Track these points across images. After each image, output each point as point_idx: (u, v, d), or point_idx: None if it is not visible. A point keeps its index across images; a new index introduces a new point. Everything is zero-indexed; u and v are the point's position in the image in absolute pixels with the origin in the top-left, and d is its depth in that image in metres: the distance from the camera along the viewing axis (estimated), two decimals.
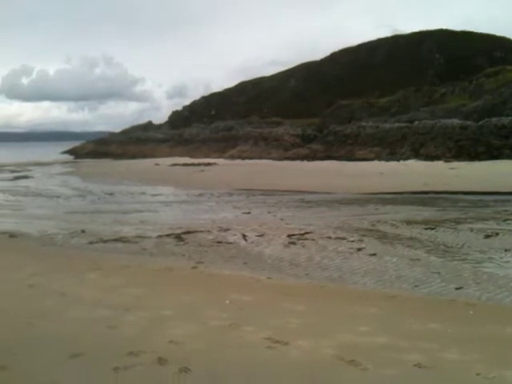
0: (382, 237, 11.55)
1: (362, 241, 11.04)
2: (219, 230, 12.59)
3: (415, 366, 4.24)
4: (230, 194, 21.93)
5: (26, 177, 36.73)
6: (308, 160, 43.13)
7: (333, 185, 23.14)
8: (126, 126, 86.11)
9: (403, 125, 42.88)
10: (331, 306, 6.36)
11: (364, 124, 46.43)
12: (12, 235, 12.32)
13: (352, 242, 10.95)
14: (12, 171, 43.40)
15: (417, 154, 38.35)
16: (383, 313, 6.09)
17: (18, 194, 23.97)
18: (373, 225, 12.97)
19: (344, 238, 11.28)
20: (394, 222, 13.19)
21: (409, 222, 13.17)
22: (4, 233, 12.60)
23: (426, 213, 14.96)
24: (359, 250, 10.17)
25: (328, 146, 46.40)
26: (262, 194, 21.50)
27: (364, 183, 23.49)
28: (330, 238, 11.41)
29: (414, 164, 34.65)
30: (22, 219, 15.75)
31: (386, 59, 64.61)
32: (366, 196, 19.56)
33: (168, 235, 12.04)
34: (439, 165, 32.21)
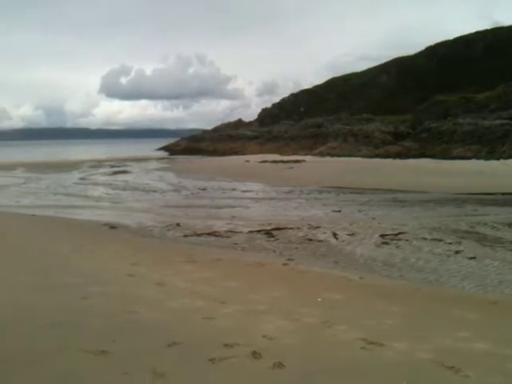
0: (482, 239, 11.00)
1: (459, 243, 10.58)
2: (309, 228, 12.55)
3: None
4: (320, 192, 21.78)
5: (124, 172, 38.80)
6: (400, 158, 41.79)
7: (427, 184, 22.29)
8: (218, 123, 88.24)
9: (505, 122, 40.40)
10: (428, 309, 6.13)
11: (461, 121, 44.26)
12: (112, 226, 13.05)
13: (449, 244, 10.52)
14: (112, 166, 46.06)
15: None
16: (484, 318, 5.81)
17: (117, 188, 25.42)
18: (471, 226, 12.38)
19: (440, 240, 10.86)
20: (495, 225, 12.51)
21: (511, 225, 12.40)
22: (105, 224, 13.37)
23: None
24: (457, 252, 9.75)
25: (422, 144, 44.76)
26: (351, 192, 21.15)
27: (461, 183, 22.42)
28: (425, 239, 11.03)
29: None
30: (121, 211, 16.65)
31: (485, 53, 61.00)
32: (464, 196, 18.66)
33: (259, 231, 12.19)
34: None
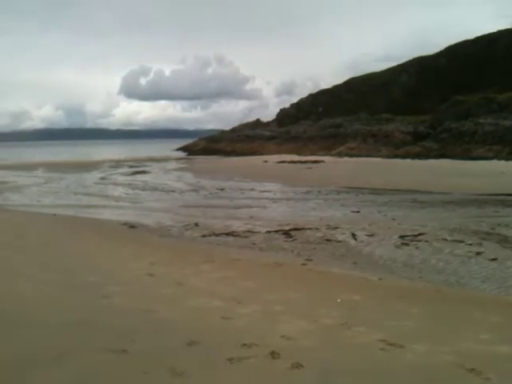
0: (503, 241, 10.79)
1: (480, 244, 10.41)
2: (327, 228, 12.48)
3: None
4: (338, 192, 21.64)
5: (143, 172, 39.07)
6: (420, 158, 41.42)
7: (448, 184, 22.03)
8: (236, 123, 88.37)
9: None
10: (448, 311, 6.06)
11: (482, 121, 43.69)
12: (132, 226, 13.16)
13: (470, 245, 10.36)
14: (131, 166, 46.46)
15: None
16: (506, 321, 5.74)
17: (136, 188, 25.60)
18: (492, 228, 12.16)
19: (461, 241, 10.70)
20: None
21: None
22: (124, 224, 13.48)
23: None
24: (478, 254, 9.60)
25: (442, 144, 44.34)
26: (371, 193, 20.98)
27: (482, 183, 22.10)
28: (445, 240, 10.87)
29: None
30: (140, 211, 16.78)
31: (507, 52, 60.03)
32: (485, 197, 18.36)
33: (277, 231, 12.16)
34: None
